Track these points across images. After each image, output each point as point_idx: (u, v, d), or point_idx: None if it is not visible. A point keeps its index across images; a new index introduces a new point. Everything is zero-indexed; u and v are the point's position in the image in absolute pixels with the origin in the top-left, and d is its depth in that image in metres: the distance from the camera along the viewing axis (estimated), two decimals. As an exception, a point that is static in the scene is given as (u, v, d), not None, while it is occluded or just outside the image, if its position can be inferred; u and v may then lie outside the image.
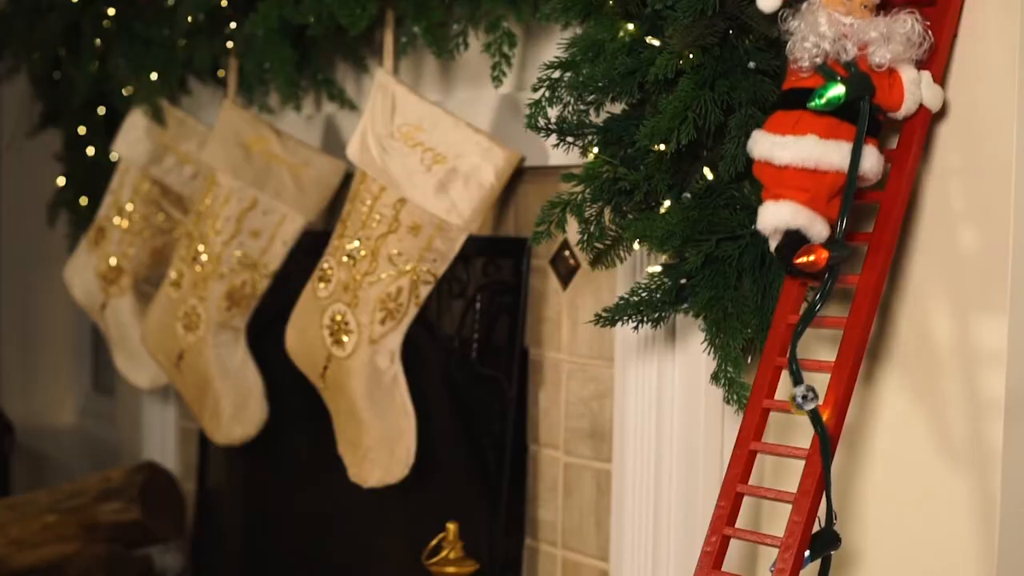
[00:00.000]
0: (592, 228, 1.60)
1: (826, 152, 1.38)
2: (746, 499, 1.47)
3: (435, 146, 1.98)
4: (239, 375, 2.50)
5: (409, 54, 2.08)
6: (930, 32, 1.41)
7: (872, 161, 1.40)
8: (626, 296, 1.57)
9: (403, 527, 2.29)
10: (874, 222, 1.44)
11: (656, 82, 1.49)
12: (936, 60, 1.43)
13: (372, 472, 2.09)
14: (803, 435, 1.41)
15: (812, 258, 1.37)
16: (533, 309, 2.04)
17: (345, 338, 2.08)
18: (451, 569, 1.96)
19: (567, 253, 1.95)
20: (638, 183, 1.53)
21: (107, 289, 2.83)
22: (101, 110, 3.02)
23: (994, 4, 1.41)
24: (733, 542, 1.45)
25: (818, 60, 1.38)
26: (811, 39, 1.38)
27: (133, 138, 2.76)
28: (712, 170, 1.51)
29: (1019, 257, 1.40)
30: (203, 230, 2.44)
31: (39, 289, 4.03)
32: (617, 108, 1.57)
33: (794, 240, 1.40)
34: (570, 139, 1.60)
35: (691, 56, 1.46)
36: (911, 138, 1.43)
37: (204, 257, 2.45)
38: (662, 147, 1.48)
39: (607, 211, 1.59)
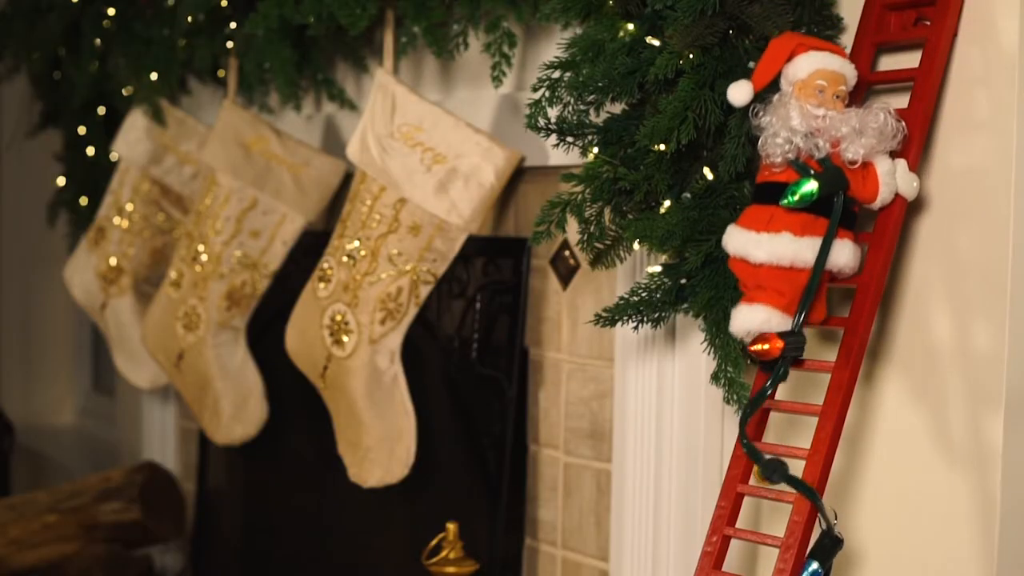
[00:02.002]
0: (592, 228, 1.60)
1: (800, 250, 1.37)
2: (746, 499, 1.47)
3: (435, 146, 1.98)
4: (239, 375, 2.50)
5: (409, 54, 2.08)
6: (903, 124, 1.40)
7: (848, 256, 1.39)
8: (626, 296, 1.57)
9: (403, 527, 2.29)
10: (874, 224, 1.44)
11: (656, 82, 1.49)
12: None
13: (372, 472, 2.09)
14: (804, 435, 1.41)
15: (767, 347, 1.36)
16: (533, 309, 2.04)
17: (345, 338, 2.08)
18: (451, 569, 1.96)
19: (567, 253, 1.95)
20: (638, 183, 1.53)
21: (107, 289, 2.83)
22: (101, 110, 3.02)
23: (994, 4, 1.41)
24: (733, 542, 1.45)
25: (790, 156, 1.37)
26: (783, 134, 1.37)
27: (133, 138, 2.76)
28: (712, 170, 1.51)
29: (1019, 258, 1.40)
30: (203, 230, 2.44)
31: (39, 289, 4.03)
32: (617, 108, 1.57)
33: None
34: (570, 139, 1.60)
35: (691, 56, 1.46)
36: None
37: (204, 257, 2.45)
38: (662, 147, 1.48)
39: (607, 211, 1.59)
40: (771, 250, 1.37)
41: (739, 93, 1.40)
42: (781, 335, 1.37)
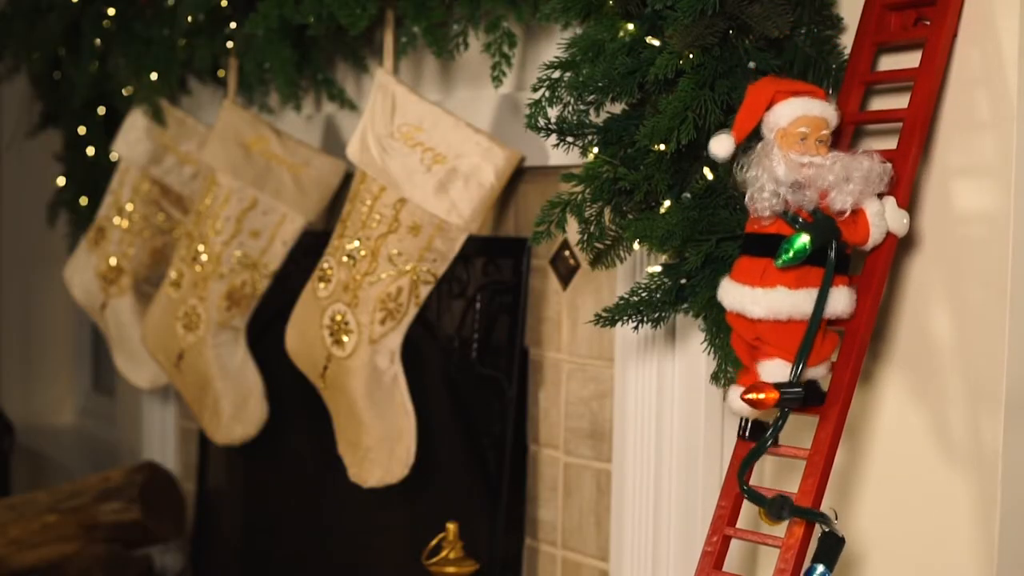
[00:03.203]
0: (592, 228, 1.60)
1: (797, 303, 1.36)
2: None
3: (435, 146, 1.98)
4: (239, 375, 2.50)
5: (409, 54, 2.08)
6: (891, 167, 1.39)
7: (844, 302, 1.38)
8: (626, 296, 1.57)
9: (403, 527, 2.29)
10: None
11: (656, 82, 1.49)
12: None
13: (372, 472, 2.09)
14: (803, 435, 1.41)
15: (762, 396, 1.35)
16: (533, 309, 2.04)
17: (345, 338, 2.08)
18: (451, 569, 1.96)
19: (567, 253, 1.95)
20: (638, 183, 1.53)
21: (107, 289, 2.83)
22: (101, 110, 3.02)
23: (994, 4, 1.41)
24: (733, 542, 1.45)
25: (778, 209, 1.36)
26: (769, 187, 1.35)
27: (133, 138, 2.76)
28: (712, 170, 1.51)
29: (1019, 257, 1.40)
30: (203, 230, 2.44)
31: (39, 289, 4.03)
32: (617, 108, 1.57)
33: (813, 391, 1.39)
34: (570, 139, 1.60)
35: (691, 56, 1.46)
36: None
37: (204, 257, 2.45)
38: (662, 147, 1.48)
39: (607, 211, 1.59)
40: (768, 306, 1.36)
41: (721, 147, 1.38)
42: (777, 385, 1.36)
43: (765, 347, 1.39)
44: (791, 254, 1.34)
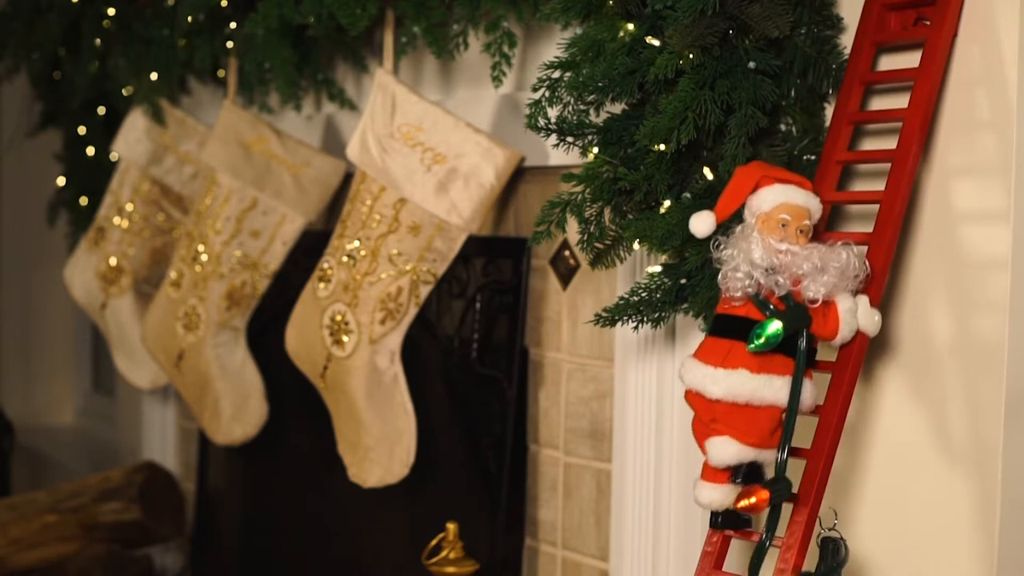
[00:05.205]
0: (592, 228, 1.60)
1: (758, 388, 1.35)
2: (746, 499, 1.47)
3: (435, 146, 1.98)
4: (239, 375, 2.50)
5: (409, 54, 2.08)
6: (867, 263, 1.38)
7: (806, 395, 1.37)
8: (626, 296, 1.57)
9: (403, 527, 2.29)
10: (875, 221, 1.44)
11: (656, 82, 1.49)
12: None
13: (372, 472, 2.09)
14: (803, 435, 1.41)
15: (753, 501, 1.35)
16: (533, 309, 2.04)
17: (345, 338, 2.08)
18: (451, 569, 1.96)
19: (567, 253, 1.95)
20: (638, 183, 1.53)
21: (107, 289, 2.83)
22: (101, 110, 3.02)
23: (994, 4, 1.41)
24: (733, 542, 1.45)
25: (750, 291, 1.35)
26: (743, 268, 1.35)
27: (133, 138, 2.76)
28: (712, 170, 1.51)
29: (1019, 257, 1.40)
30: (203, 230, 2.44)
31: (39, 289, 4.03)
32: (617, 108, 1.57)
33: (754, 471, 1.39)
34: (570, 139, 1.60)
35: (691, 56, 1.46)
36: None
37: (204, 257, 2.45)
38: (662, 147, 1.48)
39: (607, 211, 1.59)
40: (728, 387, 1.35)
41: (701, 224, 1.38)
42: (765, 485, 1.35)
43: (717, 426, 1.38)
44: (763, 340, 1.33)
